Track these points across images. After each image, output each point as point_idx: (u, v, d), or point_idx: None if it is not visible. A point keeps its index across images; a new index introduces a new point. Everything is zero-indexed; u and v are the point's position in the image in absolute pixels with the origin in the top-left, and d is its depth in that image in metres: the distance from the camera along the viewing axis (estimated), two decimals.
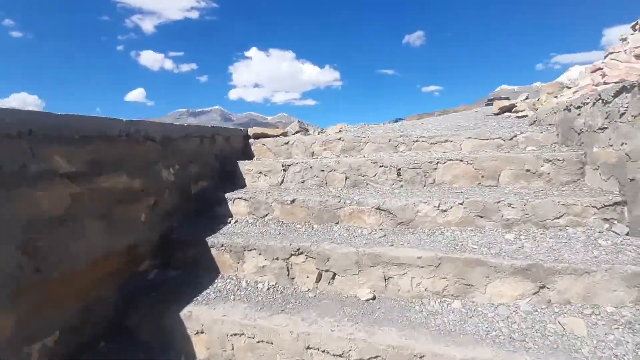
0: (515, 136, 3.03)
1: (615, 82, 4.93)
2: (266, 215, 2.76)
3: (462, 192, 2.53)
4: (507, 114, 7.75)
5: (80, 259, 1.90)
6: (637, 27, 6.16)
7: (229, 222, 2.74)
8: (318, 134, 6.14)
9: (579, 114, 2.58)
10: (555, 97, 7.65)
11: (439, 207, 2.34)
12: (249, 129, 3.80)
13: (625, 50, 5.58)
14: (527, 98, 10.00)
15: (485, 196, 2.35)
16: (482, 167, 2.67)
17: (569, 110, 2.76)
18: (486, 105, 23.44)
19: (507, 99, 23.26)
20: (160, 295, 2.17)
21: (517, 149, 2.97)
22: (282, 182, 3.17)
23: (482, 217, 2.27)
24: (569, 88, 6.67)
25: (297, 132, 4.46)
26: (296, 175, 3.13)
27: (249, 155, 3.71)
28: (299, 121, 4.70)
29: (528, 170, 2.57)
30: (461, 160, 2.71)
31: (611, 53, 6.43)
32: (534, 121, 3.60)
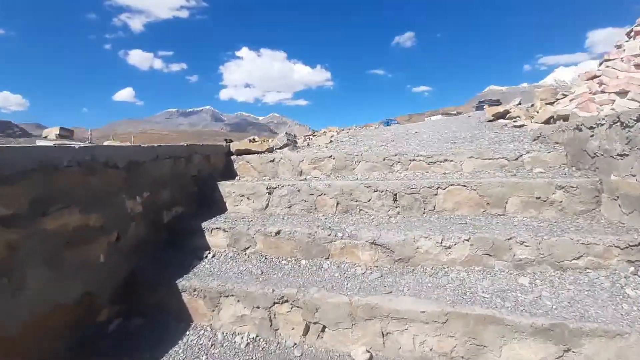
0: (521, 156, 2.79)
1: (614, 92, 4.77)
2: (247, 248, 2.45)
3: (466, 223, 2.26)
4: (501, 120, 7.58)
5: (18, 317, 1.57)
6: (632, 33, 6.03)
7: (205, 257, 2.42)
8: (308, 141, 5.84)
9: (592, 136, 2.35)
10: (550, 103, 7.51)
11: (441, 242, 2.07)
12: (232, 145, 3.48)
13: (622, 59, 5.44)
14: (519, 103, 9.89)
15: (494, 230, 2.09)
16: (487, 193, 2.41)
17: (580, 129, 2.52)
18: (477, 107, 23.44)
19: (498, 101, 23.38)
20: (120, 352, 1.85)
21: (523, 170, 2.73)
22: (266, 206, 2.86)
23: (491, 255, 2.01)
24: (565, 95, 6.51)
25: (284, 145, 4.16)
26: (282, 199, 2.83)
27: (231, 174, 3.39)
28: (286, 133, 4.39)
29: (538, 198, 2.32)
30: (464, 186, 2.45)
31: (607, 60, 6.30)
32: (538, 137, 3.37)
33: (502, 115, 7.93)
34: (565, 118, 5.47)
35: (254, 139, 13.59)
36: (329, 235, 2.28)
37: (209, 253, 2.46)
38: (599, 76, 5.93)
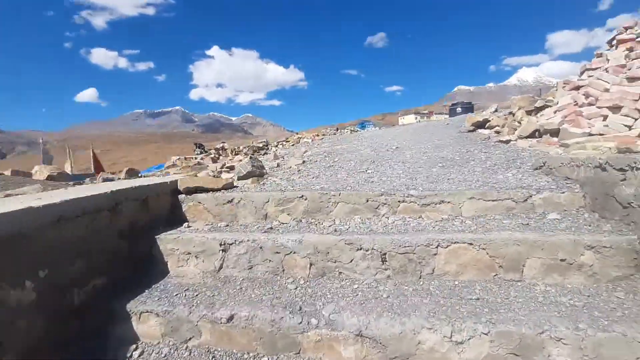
0: (530, 197, 2.31)
1: (606, 107, 4.48)
2: (190, 339, 1.81)
3: (477, 298, 1.74)
4: (482, 131, 7.28)
5: None
6: (614, 42, 5.85)
7: (130, 357, 1.76)
8: (279, 161, 5.22)
9: (625, 180, 1.89)
10: (529, 112, 7.30)
11: (451, 337, 1.53)
12: (179, 181, 2.79)
13: (607, 69, 5.20)
14: (496, 110, 9.72)
15: (517, 312, 1.57)
16: (499, 253, 1.90)
17: (603, 169, 2.07)
18: (450, 109, 23.62)
19: (470, 103, 23.55)
20: None
21: (534, 214, 2.25)
22: (220, 267, 2.23)
23: (518, 355, 1.49)
24: (547, 104, 6.25)
25: (248, 173, 3.51)
26: (241, 259, 2.20)
27: (179, 220, 2.71)
28: (251, 158, 3.73)
29: (563, 260, 1.84)
30: (471, 244, 1.93)
31: (589, 70, 6.09)
32: (541, 166, 2.93)
33: (482, 125, 7.65)
34: (553, 133, 5.17)
35: (222, 148, 12.67)
36: (300, 323, 1.68)
37: (135, 350, 1.79)
38: (582, 86, 5.71)
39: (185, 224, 2.61)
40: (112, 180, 4.40)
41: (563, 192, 2.29)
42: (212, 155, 12.37)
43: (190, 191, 2.77)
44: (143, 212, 2.47)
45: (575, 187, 2.34)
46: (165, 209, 2.69)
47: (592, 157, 2.22)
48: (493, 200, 2.35)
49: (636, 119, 4.08)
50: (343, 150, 5.67)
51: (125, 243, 2.26)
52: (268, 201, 2.62)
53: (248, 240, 2.19)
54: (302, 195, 2.59)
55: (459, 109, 19.84)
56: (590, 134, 4.32)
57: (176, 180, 2.81)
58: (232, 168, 4.82)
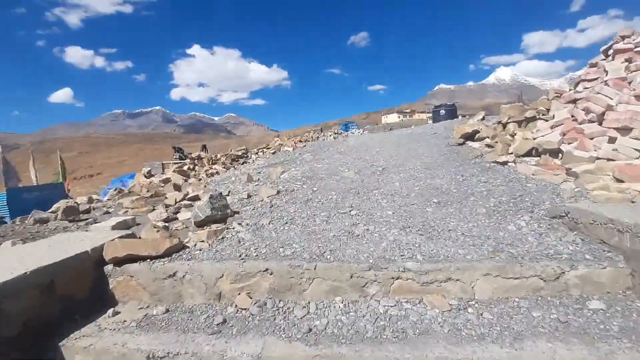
0: (563, 273, 1.78)
1: (614, 128, 4.05)
2: None
3: None
4: (471, 144, 6.83)
5: None
6: (610, 51, 5.48)
7: None
8: (249, 190, 4.57)
9: None
10: (519, 122, 6.92)
11: None
12: (105, 248, 2.12)
13: (607, 82, 4.80)
14: (483, 118, 9.34)
15: None
16: None
17: None
18: (433, 111, 23.31)
19: (453, 105, 23.32)
20: None
21: (570, 299, 1.72)
22: None
23: None
24: (542, 119, 5.83)
25: (207, 218, 2.85)
26: None
27: (104, 301, 2.05)
28: (211, 197, 3.05)
29: None
30: None
31: (584, 81, 5.70)
32: (562, 216, 2.40)
33: (471, 136, 7.21)
34: (553, 153, 4.73)
35: (199, 157, 11.84)
36: None
37: None
38: (579, 99, 5.32)
39: (111, 311, 1.95)
40: (45, 221, 3.65)
41: (604, 268, 1.77)
42: (187, 166, 11.56)
43: (119, 261, 2.11)
44: (47, 302, 1.80)
45: (618, 259, 1.82)
46: (84, 289, 2.02)
47: (639, 224, 1.69)
48: (515, 278, 1.80)
49: None
50: (324, 172, 5.06)
51: (13, 350, 1.59)
52: (222, 276, 1.99)
53: (186, 354, 1.56)
54: (267, 269, 1.97)
55: (442, 112, 19.57)
56: (598, 158, 3.89)
57: (101, 247, 2.14)
58: (195, 199, 4.15)
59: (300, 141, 15.84)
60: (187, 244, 2.41)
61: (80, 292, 2.00)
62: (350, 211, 3.07)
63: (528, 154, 4.99)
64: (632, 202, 2.36)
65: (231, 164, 12.56)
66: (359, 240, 2.37)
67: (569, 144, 4.59)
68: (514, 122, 7.01)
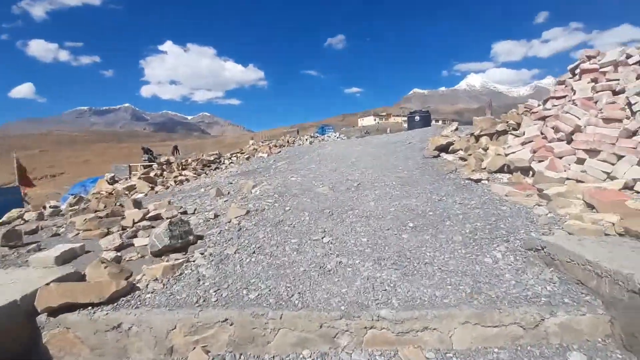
0: (543, 321, 1.69)
1: (583, 150, 4.13)
2: None
3: None
4: (446, 156, 6.87)
5: None
6: (577, 70, 5.65)
7: None
8: (216, 209, 4.30)
9: None
10: (490, 135, 7.06)
11: None
12: (38, 296, 1.82)
13: (574, 101, 4.92)
14: (457, 129, 9.50)
15: None
16: None
17: None
18: (408, 117, 23.69)
19: (427, 112, 23.74)
20: None
21: (550, 349, 1.63)
22: None
23: None
24: (513, 133, 5.92)
25: (165, 247, 2.58)
26: None
27: (37, 357, 1.76)
28: (171, 223, 2.75)
29: None
30: None
31: (553, 98, 5.85)
32: (538, 249, 2.34)
33: (445, 148, 7.26)
34: (524, 170, 4.79)
35: (167, 162, 11.31)
36: None
37: None
38: (548, 117, 5.44)
39: None
40: None
41: (583, 314, 1.69)
42: (155, 172, 10.98)
43: (55, 310, 1.82)
44: None
45: (596, 303, 1.75)
46: (13, 347, 1.72)
47: (618, 271, 1.63)
48: (494, 327, 1.69)
49: (614, 164, 3.75)
50: (297, 186, 4.86)
51: None
52: (175, 328, 1.75)
53: None
54: (227, 319, 1.76)
55: (417, 118, 19.90)
56: (568, 178, 3.95)
57: (34, 293, 1.84)
58: (157, 219, 3.83)
59: (276, 146, 15.55)
60: (138, 284, 2.14)
61: (8, 350, 1.70)
62: (322, 237, 2.90)
63: (500, 170, 5.03)
64: (606, 234, 2.33)
65: (202, 170, 12.10)
66: (330, 277, 2.20)
67: (540, 161, 4.67)
68: (486, 134, 7.15)
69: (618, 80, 4.58)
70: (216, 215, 3.75)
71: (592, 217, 2.56)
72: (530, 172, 4.58)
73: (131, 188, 9.26)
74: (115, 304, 1.90)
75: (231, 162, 13.14)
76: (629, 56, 4.69)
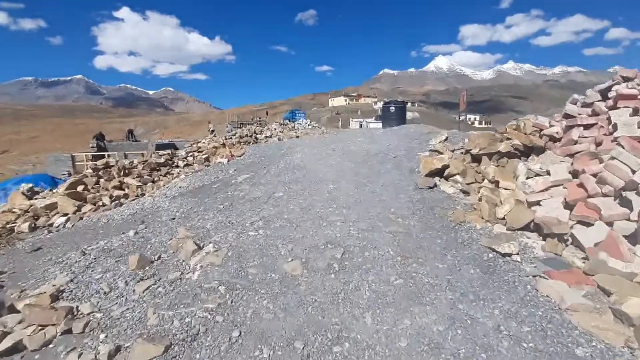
0: None
1: None
2: None
3: None
4: (443, 187, 5.68)
5: None
6: (611, 94, 4.51)
7: None
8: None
9: None
10: (489, 155, 5.97)
11: None
12: None
13: (620, 142, 3.78)
14: (446, 139, 8.34)
15: None
16: None
17: None
18: (383, 107, 22.42)
19: (403, 103, 22.63)
20: None
21: None
22: None
23: None
24: (537, 174, 4.69)
25: None
26: None
27: None
28: None
29: None
30: None
31: (579, 126, 4.70)
32: None
33: (440, 172, 6.07)
34: (561, 237, 3.64)
35: (106, 165, 9.22)
36: None
37: None
38: (579, 153, 4.32)
39: None
40: None
41: None
42: (85, 186, 8.90)
43: None
44: None
45: None
46: None
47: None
48: None
49: None
50: (257, 259, 3.35)
51: None
52: None
53: None
54: None
55: (392, 108, 18.87)
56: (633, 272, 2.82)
57: None
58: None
59: (240, 142, 13.74)
60: None
61: None
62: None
63: (526, 227, 3.87)
64: None
65: (150, 176, 10.19)
66: None
67: (579, 222, 3.54)
68: (485, 154, 6.02)
69: None
70: (118, 349, 2.25)
71: None
72: (569, 239, 3.44)
73: (52, 207, 7.32)
74: None
75: (186, 165, 11.27)
76: None
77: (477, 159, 6.26)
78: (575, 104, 5.38)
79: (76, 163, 21.18)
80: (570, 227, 3.45)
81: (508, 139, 6.27)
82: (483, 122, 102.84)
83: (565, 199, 3.85)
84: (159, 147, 22.63)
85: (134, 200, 7.63)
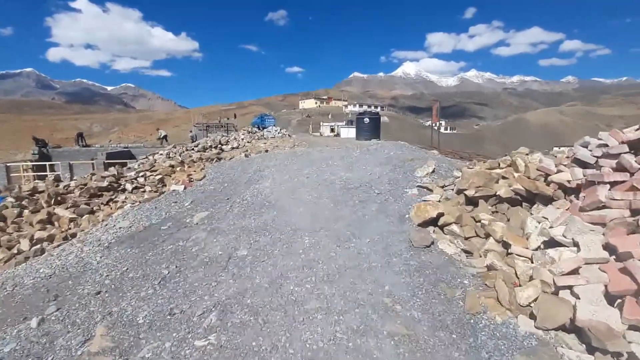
0: None
1: None
2: None
3: None
4: (439, 242, 4.75)
5: None
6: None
7: None
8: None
9: None
10: (485, 199, 5.23)
11: None
12: None
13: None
14: (433, 171, 7.53)
15: None
16: None
17: None
18: (357, 118, 21.68)
19: (377, 114, 22.05)
20: None
21: None
22: None
23: None
24: (560, 244, 3.88)
25: None
26: None
27: None
28: None
29: None
30: None
31: (604, 183, 3.99)
32: None
33: (435, 221, 5.21)
34: (618, 355, 2.79)
35: (33, 192, 7.54)
36: None
37: None
38: (613, 221, 3.57)
39: None
40: None
41: None
42: (4, 221, 7.20)
43: None
44: None
45: None
46: None
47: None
48: None
49: None
50: (198, 356, 2.26)
51: None
52: None
53: None
54: None
55: (366, 120, 18.40)
56: None
57: None
58: None
59: (201, 159, 12.28)
60: None
61: None
62: None
63: (561, 327, 3.02)
64: None
65: (88, 204, 8.56)
66: None
67: (630, 327, 2.73)
68: (481, 197, 5.22)
69: None
70: None
71: None
72: (624, 354, 2.62)
73: None
74: None
75: (135, 187, 9.68)
76: None
77: (472, 201, 5.47)
78: (587, 147, 4.68)
79: (11, 175, 18.46)
80: (629, 341, 2.61)
81: (504, 177, 5.55)
82: (449, 128, 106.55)
83: (605, 286, 3.04)
84: (111, 155, 20.35)
85: (59, 245, 6.09)
